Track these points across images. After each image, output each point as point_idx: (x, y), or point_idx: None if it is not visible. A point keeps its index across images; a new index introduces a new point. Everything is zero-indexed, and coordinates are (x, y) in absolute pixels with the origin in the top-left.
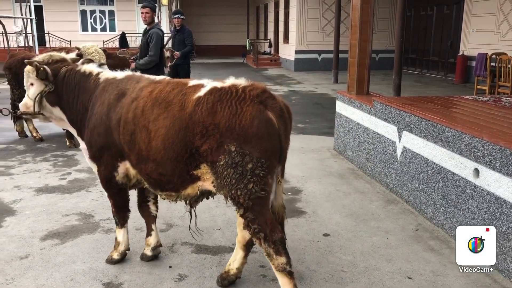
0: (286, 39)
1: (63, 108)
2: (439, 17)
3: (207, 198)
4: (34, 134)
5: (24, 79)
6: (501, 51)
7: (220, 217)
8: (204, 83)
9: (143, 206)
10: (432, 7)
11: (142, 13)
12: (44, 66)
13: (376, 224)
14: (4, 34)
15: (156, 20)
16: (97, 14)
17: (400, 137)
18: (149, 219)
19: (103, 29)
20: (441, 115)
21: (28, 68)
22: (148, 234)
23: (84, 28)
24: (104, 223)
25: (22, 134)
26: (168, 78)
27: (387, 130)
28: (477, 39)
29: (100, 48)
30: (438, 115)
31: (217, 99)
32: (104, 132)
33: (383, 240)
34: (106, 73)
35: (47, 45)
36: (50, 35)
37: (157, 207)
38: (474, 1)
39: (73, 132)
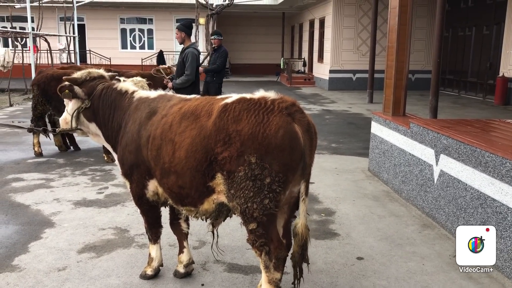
0: (321, 58)
1: (98, 124)
2: (478, 38)
3: (229, 217)
4: (36, 149)
5: None
6: None
7: None
8: (233, 95)
9: (174, 223)
10: (471, 27)
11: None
12: (72, 87)
13: (412, 249)
14: (48, 51)
15: (193, 40)
16: (137, 32)
17: (437, 161)
18: (181, 236)
19: (142, 47)
20: (480, 139)
21: (67, 83)
22: (180, 251)
23: (124, 46)
24: (139, 238)
25: (61, 148)
26: (198, 96)
27: (424, 153)
28: None
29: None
30: (477, 139)
31: (244, 108)
32: (135, 150)
33: (419, 266)
34: (140, 92)
35: (88, 61)
36: (91, 52)
37: (188, 224)
38: None
39: (108, 147)
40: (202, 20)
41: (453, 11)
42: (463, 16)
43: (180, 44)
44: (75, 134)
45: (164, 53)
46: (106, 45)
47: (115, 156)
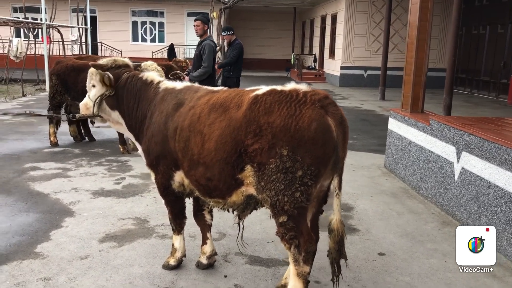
0: (332, 54)
1: (122, 113)
2: (492, 36)
3: (255, 209)
4: (52, 139)
5: (87, 81)
6: None
7: (272, 229)
8: (262, 87)
9: (198, 214)
10: (485, 26)
11: (194, 25)
12: (108, 73)
13: (433, 246)
14: (62, 43)
15: (209, 33)
16: (148, 25)
17: (458, 158)
18: (204, 227)
19: (153, 40)
20: (505, 136)
21: (92, 70)
22: (204, 242)
23: (135, 39)
24: (159, 229)
25: (76, 138)
26: (226, 88)
27: (445, 150)
28: None
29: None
30: (502, 137)
31: (275, 99)
32: (161, 141)
33: (441, 263)
34: (166, 83)
35: (99, 53)
36: (102, 44)
37: (212, 215)
38: None
39: (130, 136)
40: (215, 14)
41: (467, 9)
42: (477, 14)
43: (199, 36)
44: (90, 125)
45: (175, 46)
46: (117, 38)
47: (138, 146)
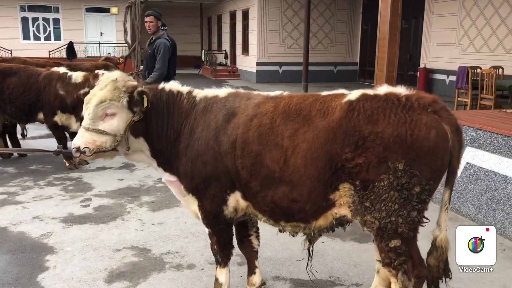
0: (245, 50)
1: (149, 138)
2: None
3: (333, 231)
4: None
5: (95, 108)
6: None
7: (294, 244)
8: (346, 91)
9: (244, 241)
10: None
11: (146, 22)
12: (147, 91)
13: None
14: None
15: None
16: (41, 22)
17: None
18: (252, 255)
19: (47, 38)
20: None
21: (106, 95)
22: (251, 272)
23: (26, 37)
24: (168, 258)
25: (4, 154)
26: (286, 92)
27: None
28: (438, 53)
29: None
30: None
31: (376, 105)
32: (213, 159)
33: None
34: (202, 92)
35: None
36: None
37: (259, 240)
38: (433, 16)
39: (152, 164)
40: (114, 10)
41: (371, 6)
42: None
43: (152, 33)
44: (19, 136)
45: (74, 44)
46: (5, 36)
47: (162, 173)
